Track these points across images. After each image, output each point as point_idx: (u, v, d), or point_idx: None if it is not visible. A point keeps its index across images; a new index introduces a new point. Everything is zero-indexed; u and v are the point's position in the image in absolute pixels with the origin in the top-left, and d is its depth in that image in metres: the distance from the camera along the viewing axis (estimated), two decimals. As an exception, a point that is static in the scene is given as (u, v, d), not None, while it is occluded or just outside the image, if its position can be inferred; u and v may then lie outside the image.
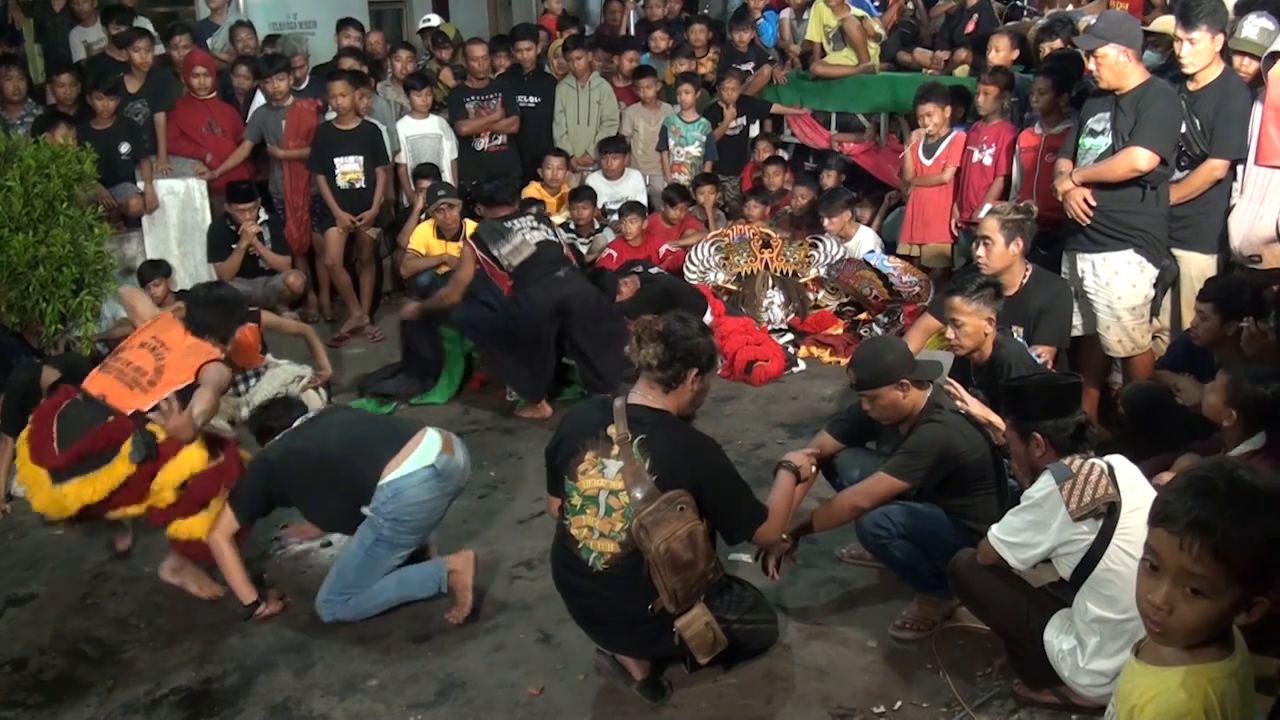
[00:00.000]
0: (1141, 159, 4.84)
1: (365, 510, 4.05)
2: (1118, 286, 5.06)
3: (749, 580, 3.82)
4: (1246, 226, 5.05)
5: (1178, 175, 5.12)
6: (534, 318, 5.91)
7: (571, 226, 7.98)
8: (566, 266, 6.06)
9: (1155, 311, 5.31)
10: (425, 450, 4.10)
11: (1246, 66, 5.15)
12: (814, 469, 3.93)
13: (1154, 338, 5.36)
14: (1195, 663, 1.87)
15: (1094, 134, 5.08)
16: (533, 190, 8.23)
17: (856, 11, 8.40)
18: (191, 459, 4.16)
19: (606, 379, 6.02)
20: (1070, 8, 7.42)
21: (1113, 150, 4.95)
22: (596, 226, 8.03)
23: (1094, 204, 5.01)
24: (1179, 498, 1.82)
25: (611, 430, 3.42)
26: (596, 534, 3.41)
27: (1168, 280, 5.26)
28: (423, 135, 8.38)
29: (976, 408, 3.97)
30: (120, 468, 4.03)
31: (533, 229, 6.00)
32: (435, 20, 9.94)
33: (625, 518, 3.34)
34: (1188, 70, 5.00)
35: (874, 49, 8.47)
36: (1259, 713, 2.01)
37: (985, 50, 7.05)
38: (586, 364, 6.15)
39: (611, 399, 3.57)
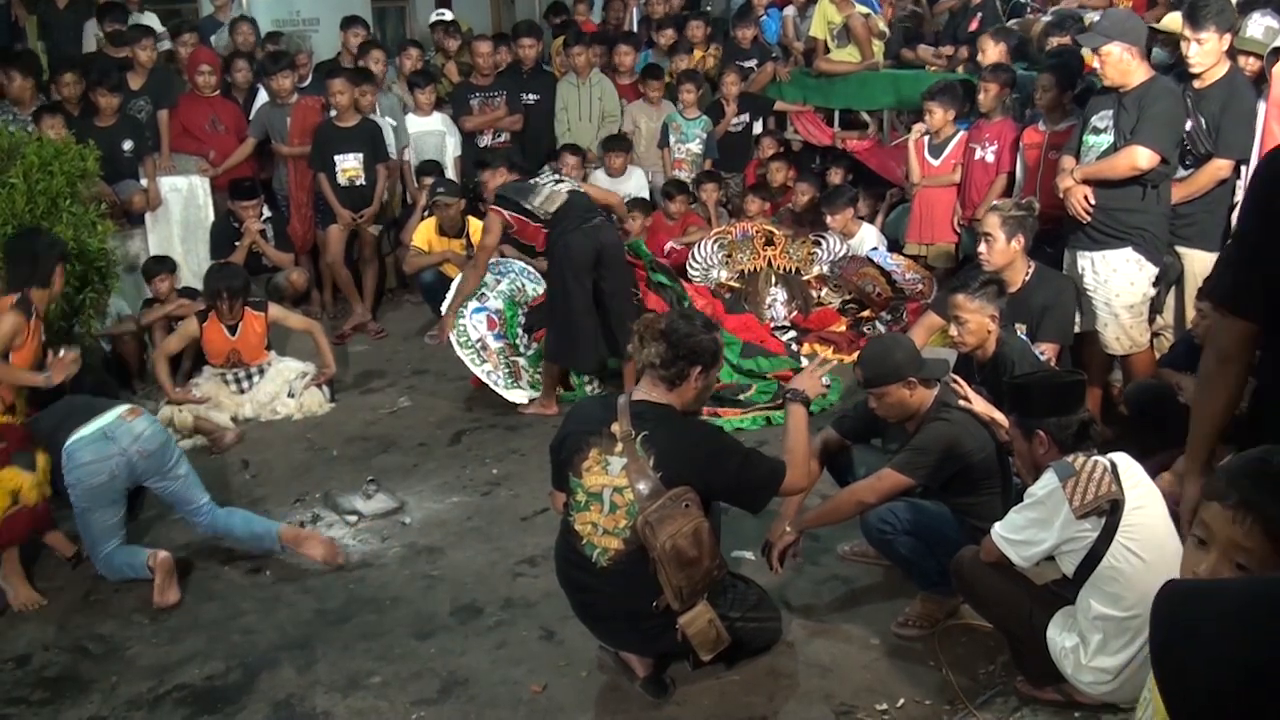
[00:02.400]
0: (1142, 158, 4.83)
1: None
2: (1115, 284, 5.06)
3: (753, 578, 3.82)
4: None
5: (1182, 174, 5.11)
6: (574, 269, 5.82)
7: None
8: (600, 215, 5.97)
9: (1159, 309, 5.31)
10: (104, 417, 4.48)
11: (1250, 65, 5.14)
12: (826, 386, 3.85)
13: (1157, 335, 5.35)
14: None
15: (1097, 131, 5.08)
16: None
17: (861, 9, 8.39)
18: None
19: (620, 340, 5.88)
20: (1075, 4, 7.40)
21: (1115, 148, 4.95)
22: None
23: (1094, 201, 5.01)
24: (1235, 475, 1.87)
25: (615, 427, 3.43)
26: (601, 530, 3.42)
27: (1171, 278, 5.26)
28: (426, 132, 8.40)
29: (980, 405, 3.97)
30: None
31: (557, 182, 5.96)
32: (449, 15, 9.93)
33: (629, 514, 3.35)
34: (1194, 70, 5.00)
35: (878, 46, 8.46)
36: None
37: (984, 50, 7.05)
38: (604, 323, 5.97)
39: (615, 395, 3.58)
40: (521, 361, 6.36)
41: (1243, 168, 5.06)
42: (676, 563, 3.29)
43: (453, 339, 6.27)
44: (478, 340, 6.31)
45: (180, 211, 7.71)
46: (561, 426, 3.70)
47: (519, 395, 6.23)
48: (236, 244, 7.51)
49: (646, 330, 3.46)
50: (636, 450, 3.37)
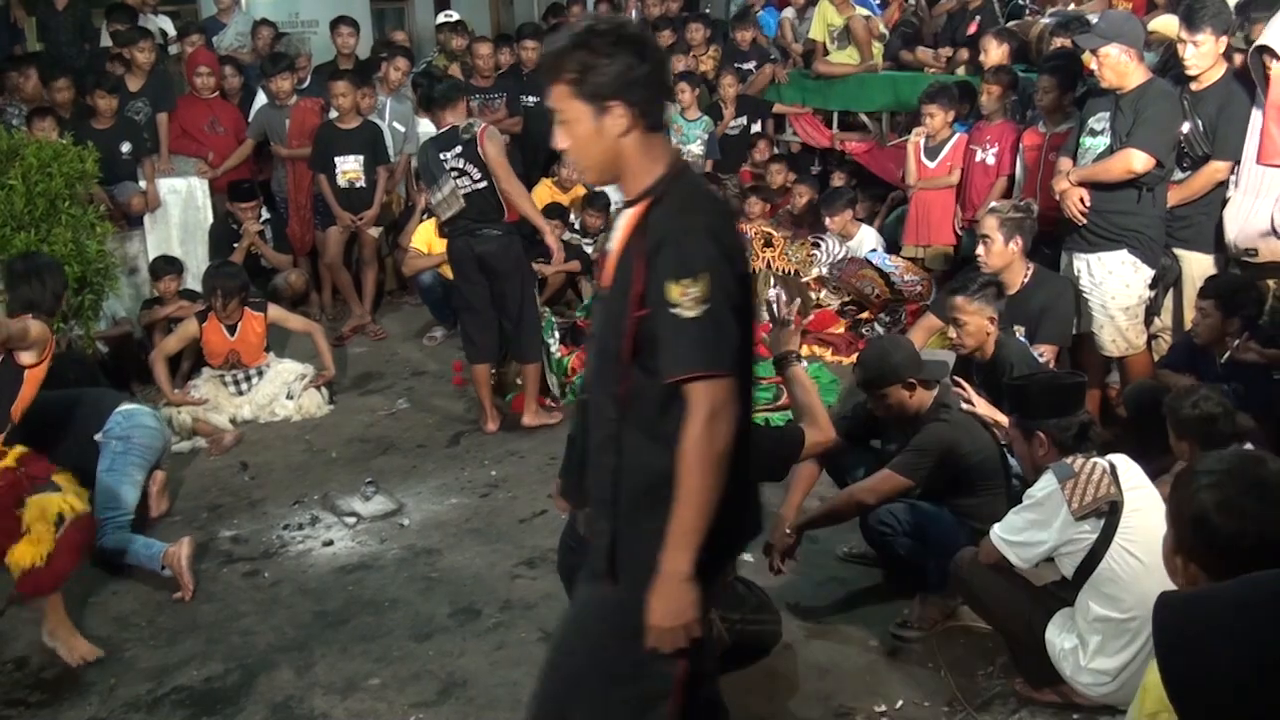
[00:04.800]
0: (1137, 161, 4.83)
1: (97, 437, 4.67)
2: (1111, 286, 5.05)
3: (753, 579, 3.82)
4: (1241, 220, 5.02)
5: (1179, 176, 5.11)
6: (459, 271, 5.83)
7: (577, 227, 7.98)
8: (495, 224, 5.66)
9: (1156, 311, 5.31)
10: (141, 404, 5.11)
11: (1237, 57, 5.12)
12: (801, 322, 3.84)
13: (1155, 338, 5.35)
14: None
15: (1094, 133, 5.08)
16: (543, 189, 8.22)
17: (861, 10, 8.38)
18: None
19: (522, 350, 5.90)
20: (1071, 6, 7.40)
21: (1111, 150, 4.95)
22: (602, 228, 8.02)
23: (1090, 204, 5.01)
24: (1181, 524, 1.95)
25: None
26: None
27: (1169, 281, 5.26)
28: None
29: (984, 408, 3.98)
30: None
31: (460, 173, 5.60)
32: (455, 15, 9.95)
33: None
34: (1191, 72, 4.99)
35: (877, 48, 8.46)
36: None
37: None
38: (509, 331, 5.90)
39: None
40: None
41: (1236, 169, 5.06)
42: None
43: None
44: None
45: (179, 213, 7.70)
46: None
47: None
48: (235, 245, 7.51)
49: None
50: None
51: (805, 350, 6.88)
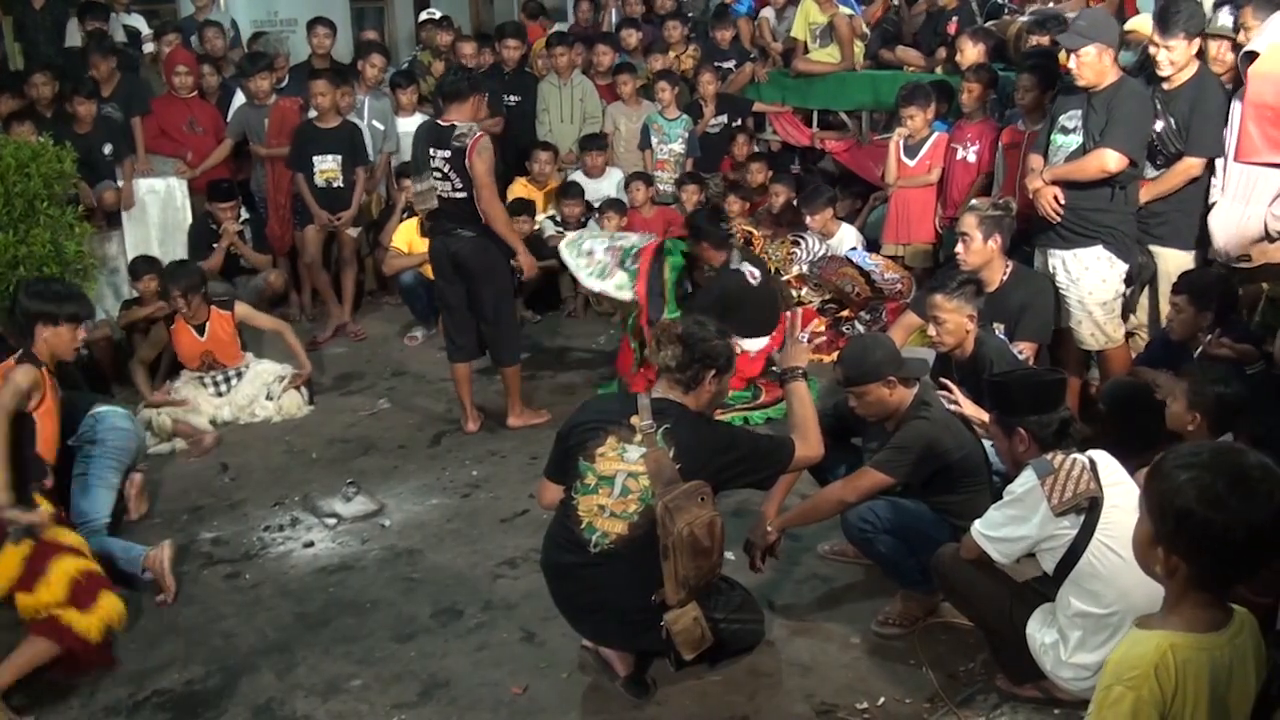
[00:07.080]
0: (1111, 160, 4.86)
1: (70, 442, 4.66)
2: (1088, 282, 5.09)
3: (734, 577, 3.83)
4: (1232, 227, 5.04)
5: (1152, 174, 5.14)
6: (436, 270, 5.83)
7: (559, 221, 7.97)
8: (470, 226, 5.55)
9: (1132, 309, 5.34)
10: (116, 404, 5.16)
11: (1223, 53, 5.16)
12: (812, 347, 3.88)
13: (1132, 335, 5.39)
14: (1170, 629, 1.97)
15: (1065, 131, 5.10)
16: (519, 186, 8.22)
17: (844, 10, 8.39)
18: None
19: (499, 352, 5.91)
20: (1051, 4, 7.43)
21: (1084, 149, 4.97)
22: (582, 221, 8.01)
23: (1063, 202, 5.04)
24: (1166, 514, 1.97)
25: (635, 420, 3.47)
26: (607, 513, 3.44)
27: (1145, 278, 5.29)
28: (407, 133, 8.33)
29: (970, 408, 3.99)
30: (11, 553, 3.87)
31: (442, 176, 5.49)
32: (438, 14, 9.92)
33: (642, 499, 3.38)
34: (1163, 73, 5.02)
35: (859, 47, 8.47)
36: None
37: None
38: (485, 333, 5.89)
39: (634, 393, 3.67)
40: (622, 274, 6.28)
41: (1216, 165, 5.08)
42: (691, 551, 3.31)
43: (563, 247, 6.44)
44: (587, 250, 6.37)
45: (158, 213, 7.66)
46: (572, 416, 3.71)
47: (596, 284, 6.24)
48: (214, 245, 7.48)
49: (663, 334, 3.56)
50: (657, 441, 3.42)
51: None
